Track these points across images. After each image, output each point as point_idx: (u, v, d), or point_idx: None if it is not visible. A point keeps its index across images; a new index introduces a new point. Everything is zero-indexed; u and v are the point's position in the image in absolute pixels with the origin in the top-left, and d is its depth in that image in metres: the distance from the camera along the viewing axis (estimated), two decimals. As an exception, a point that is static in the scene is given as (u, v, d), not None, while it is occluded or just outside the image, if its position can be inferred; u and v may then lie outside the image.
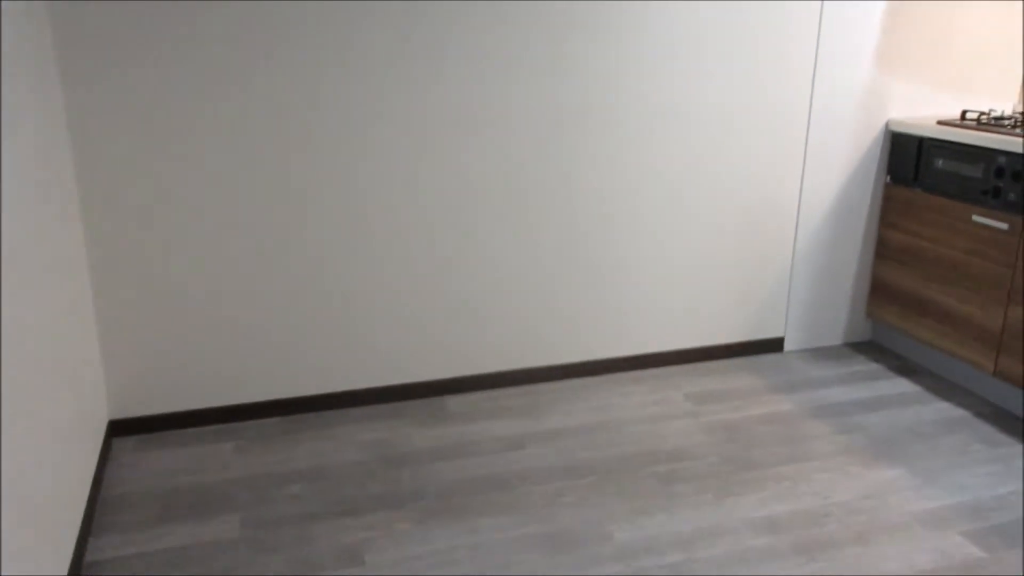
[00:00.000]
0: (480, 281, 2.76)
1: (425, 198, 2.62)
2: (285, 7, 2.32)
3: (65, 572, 1.80)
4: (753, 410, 2.76)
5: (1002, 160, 2.62)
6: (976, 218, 2.72)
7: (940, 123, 2.88)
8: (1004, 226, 2.63)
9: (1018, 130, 2.67)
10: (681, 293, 3.01)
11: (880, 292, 3.18)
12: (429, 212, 2.63)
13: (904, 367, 3.09)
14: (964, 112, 2.91)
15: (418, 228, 2.64)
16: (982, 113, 2.87)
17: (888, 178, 3.09)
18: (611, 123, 2.72)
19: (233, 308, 2.54)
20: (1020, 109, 3.16)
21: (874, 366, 3.10)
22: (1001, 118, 2.82)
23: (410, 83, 2.48)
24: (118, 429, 2.55)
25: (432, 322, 2.75)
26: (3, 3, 1.74)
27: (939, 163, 2.85)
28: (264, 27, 2.32)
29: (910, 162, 2.97)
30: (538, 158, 2.68)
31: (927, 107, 3.08)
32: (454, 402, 2.81)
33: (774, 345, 3.21)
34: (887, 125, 3.05)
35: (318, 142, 2.46)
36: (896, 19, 2.92)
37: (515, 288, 2.80)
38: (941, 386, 2.94)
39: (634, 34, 2.65)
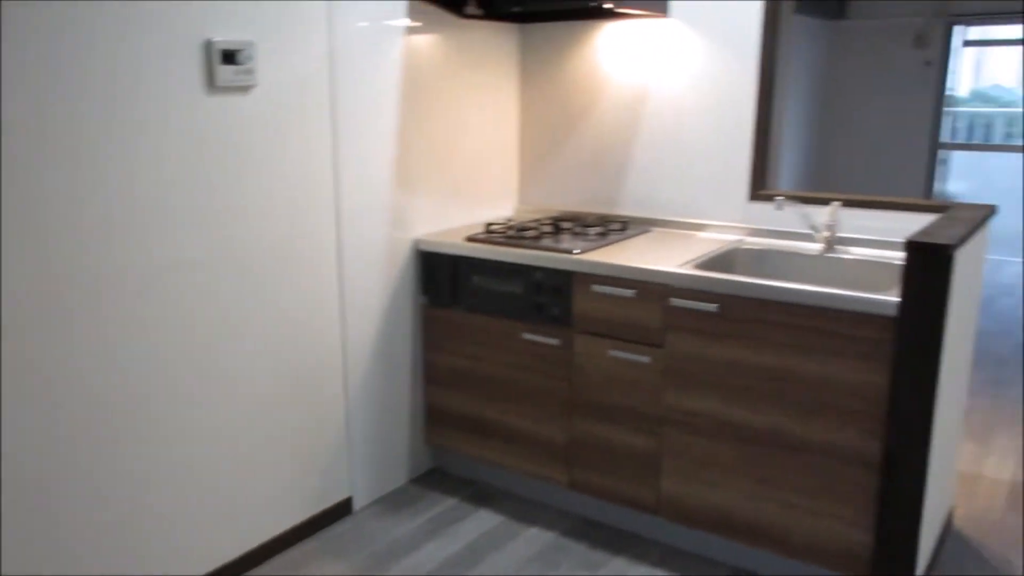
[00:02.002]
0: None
1: None
2: None
3: None
4: (353, 616, 2.25)
5: (539, 276, 2.56)
6: (526, 335, 2.63)
7: (469, 239, 2.74)
8: (555, 341, 2.57)
9: (543, 241, 2.65)
10: (224, 490, 2.35)
11: (437, 419, 2.94)
12: None
13: (478, 495, 2.90)
14: (488, 225, 2.82)
15: None
16: (507, 227, 2.82)
17: (425, 299, 2.86)
18: (92, 296, 1.95)
19: None
20: (526, 218, 3.22)
21: (450, 502, 2.84)
22: (524, 229, 2.79)
23: None
24: None
25: None
26: None
27: (476, 281, 2.70)
28: None
29: (446, 282, 2.78)
30: (-8, 373, 1.79)
31: (449, 220, 2.94)
32: None
33: (343, 509, 2.73)
34: (415, 245, 2.82)
35: None
36: (406, 139, 2.70)
37: (-14, 568, 1.84)
38: (520, 508, 2.80)
39: (111, 179, 1.94)
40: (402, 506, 2.82)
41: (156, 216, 2.05)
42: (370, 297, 2.69)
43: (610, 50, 2.93)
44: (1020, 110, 9.54)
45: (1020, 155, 7.49)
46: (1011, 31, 7.22)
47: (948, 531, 2.64)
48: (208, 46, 2.09)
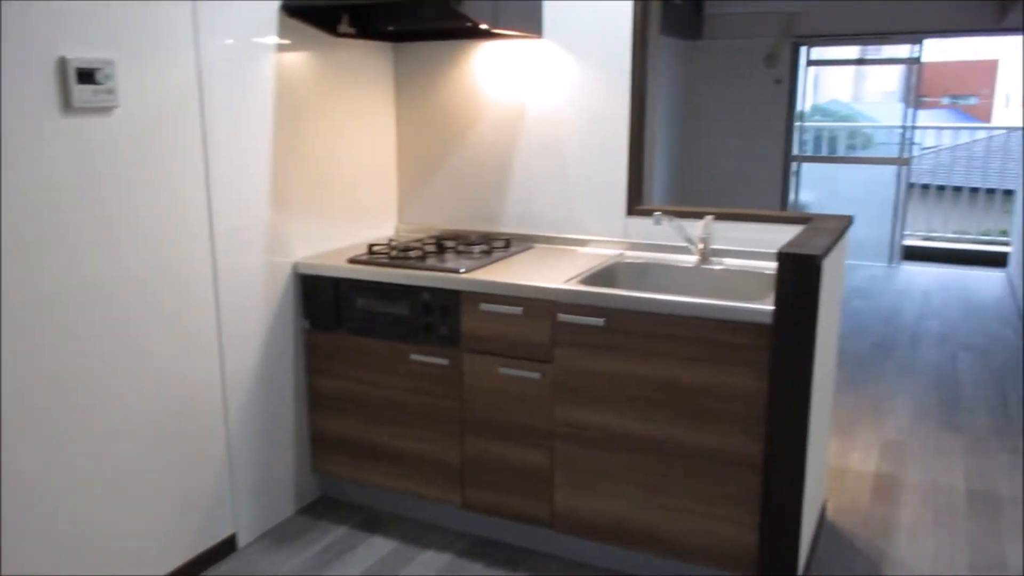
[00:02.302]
0: None
1: None
2: None
3: None
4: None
5: (427, 296, 2.54)
6: (415, 357, 2.60)
7: (351, 261, 2.68)
8: (444, 361, 2.55)
9: (428, 261, 2.63)
10: (98, 534, 2.18)
11: (323, 445, 2.85)
12: None
13: (369, 521, 2.82)
14: (371, 246, 2.77)
15: None
16: (390, 247, 2.77)
17: (307, 323, 2.77)
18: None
19: None
20: (408, 237, 3.19)
21: (340, 531, 2.76)
22: (407, 249, 2.75)
23: None
24: None
25: None
26: None
27: (360, 303, 2.65)
28: None
29: (329, 305, 2.71)
30: None
31: (329, 242, 2.86)
32: None
33: (227, 547, 2.60)
34: (295, 268, 2.73)
35: None
36: (282, 159, 2.62)
37: None
38: (413, 532, 2.75)
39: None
40: (290, 539, 2.71)
41: (10, 248, 1.89)
42: (249, 323, 2.58)
43: (487, 69, 2.95)
44: (859, 124, 10.33)
45: (862, 166, 8.09)
46: (847, 51, 7.79)
47: (822, 524, 2.79)
48: (62, 64, 1.96)
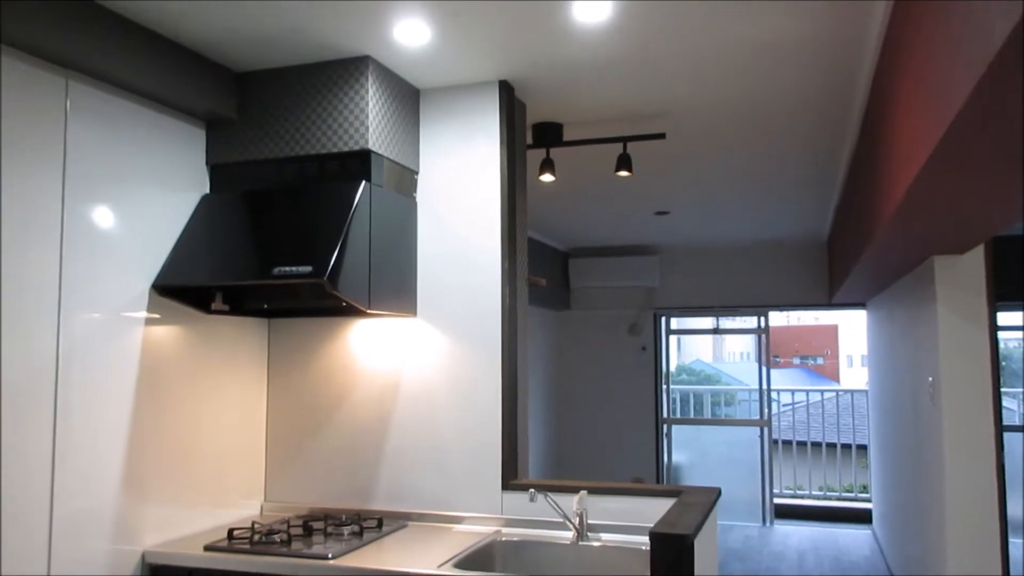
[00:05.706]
0: None
1: None
2: None
3: None
4: None
5: (290, 586, 2.35)
6: (273, 658, 2.35)
7: (208, 548, 2.48)
8: (306, 662, 2.31)
9: (293, 545, 2.47)
10: None
11: None
12: None
13: None
14: (231, 531, 2.59)
15: None
16: (252, 531, 2.60)
17: (152, 622, 2.49)
18: None
19: None
20: (275, 517, 3.01)
21: None
22: (271, 532, 2.58)
23: None
24: None
25: None
26: None
27: (215, 596, 2.42)
28: None
29: (179, 600, 2.46)
30: None
31: (187, 526, 2.66)
32: None
33: None
34: (144, 558, 2.50)
35: None
36: (140, 436, 2.49)
37: None
38: None
39: None
40: None
41: None
42: (83, 627, 2.29)
43: (361, 343, 3.00)
44: (721, 387, 10.92)
45: (726, 427, 8.45)
46: (703, 321, 8.44)
47: None
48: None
